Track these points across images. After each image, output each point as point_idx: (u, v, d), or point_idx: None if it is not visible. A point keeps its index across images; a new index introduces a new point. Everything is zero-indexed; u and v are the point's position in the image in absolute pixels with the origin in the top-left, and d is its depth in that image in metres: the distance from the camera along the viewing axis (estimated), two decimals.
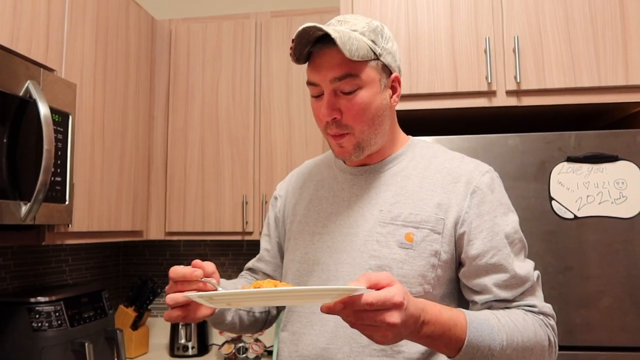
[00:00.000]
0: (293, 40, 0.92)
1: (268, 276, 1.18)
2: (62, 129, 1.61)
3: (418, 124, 2.02)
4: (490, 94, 1.77)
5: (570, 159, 1.64)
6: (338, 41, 0.87)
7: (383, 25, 0.99)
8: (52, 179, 1.54)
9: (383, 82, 0.97)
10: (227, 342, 2.28)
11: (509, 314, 0.90)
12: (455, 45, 1.80)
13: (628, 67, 1.71)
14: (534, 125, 2.06)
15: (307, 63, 0.98)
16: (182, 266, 0.85)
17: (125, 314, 2.32)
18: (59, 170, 1.59)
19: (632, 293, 1.58)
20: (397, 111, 1.85)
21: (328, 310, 0.72)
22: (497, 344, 0.84)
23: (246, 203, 2.24)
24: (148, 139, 2.30)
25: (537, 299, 0.96)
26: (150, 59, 2.32)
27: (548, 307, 0.96)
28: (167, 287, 0.87)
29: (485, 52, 1.76)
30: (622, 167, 1.61)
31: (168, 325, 2.47)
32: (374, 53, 0.94)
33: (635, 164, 1.61)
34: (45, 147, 1.45)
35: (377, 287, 0.72)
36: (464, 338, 0.82)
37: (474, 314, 0.86)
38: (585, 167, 1.62)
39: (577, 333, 1.58)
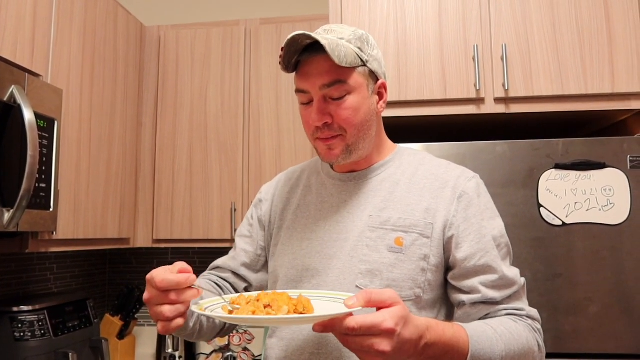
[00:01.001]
0: (282, 48, 0.93)
1: (238, 276, 1.13)
2: (47, 135, 1.59)
3: (407, 130, 2.02)
4: (479, 101, 1.77)
5: (558, 166, 1.64)
6: (327, 48, 0.88)
7: (368, 34, 1.01)
8: (37, 185, 1.52)
9: (370, 88, 0.98)
10: (214, 351, 2.26)
11: (502, 323, 0.90)
12: (444, 53, 1.80)
13: (614, 75, 1.73)
14: (522, 133, 2.07)
15: (294, 72, 0.99)
16: (166, 272, 0.78)
17: (111, 323, 2.28)
18: (43, 177, 1.56)
19: (620, 300, 1.59)
20: (386, 118, 1.85)
21: (318, 331, 0.71)
22: (497, 355, 0.85)
23: (235, 210, 2.22)
24: (136, 146, 2.28)
25: (524, 304, 0.97)
26: (138, 66, 2.30)
27: (534, 312, 0.97)
28: (149, 296, 0.79)
29: (474, 59, 1.77)
30: (610, 174, 1.62)
31: (155, 334, 2.43)
32: (361, 60, 0.96)
33: (622, 171, 1.62)
34: (29, 152, 1.42)
35: (380, 307, 0.71)
36: (467, 354, 0.81)
37: (473, 327, 0.86)
38: (573, 174, 1.63)
39: (565, 340, 1.58)
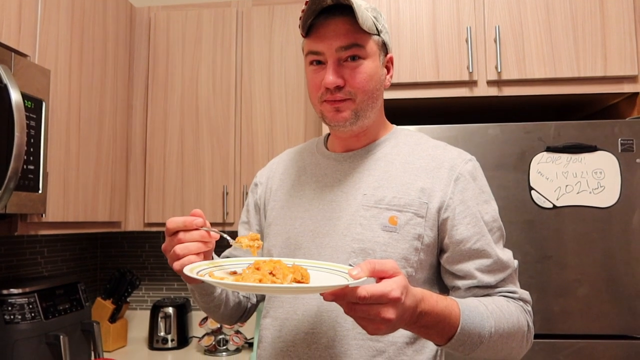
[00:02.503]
0: (303, 10, 0.93)
1: None
2: (35, 116, 1.56)
3: (400, 113, 2.01)
4: (472, 83, 1.77)
5: (549, 149, 1.64)
6: (355, 6, 0.89)
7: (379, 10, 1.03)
8: (25, 167, 1.50)
9: (382, 58, 1.00)
10: (207, 334, 2.26)
11: (494, 301, 0.91)
12: (437, 35, 1.79)
13: (607, 58, 1.72)
14: (515, 116, 2.07)
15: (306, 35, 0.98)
16: (179, 217, 0.84)
17: (103, 307, 2.28)
18: (31, 158, 1.54)
19: (608, 282, 1.60)
20: None
21: (328, 300, 0.72)
22: (487, 331, 0.86)
23: (227, 194, 2.22)
24: (126, 128, 2.25)
25: (517, 286, 0.99)
26: (128, 47, 2.27)
27: (526, 294, 0.98)
28: (164, 244, 0.86)
29: (467, 41, 1.76)
30: (601, 158, 1.62)
31: (147, 318, 2.43)
32: (377, 28, 0.97)
33: (613, 154, 1.62)
34: (16, 133, 1.40)
35: (381, 277, 0.72)
36: (457, 327, 0.82)
37: (464, 302, 0.87)
38: (565, 157, 1.63)
39: (555, 321, 1.60)
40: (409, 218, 0.95)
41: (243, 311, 1.13)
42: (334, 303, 0.93)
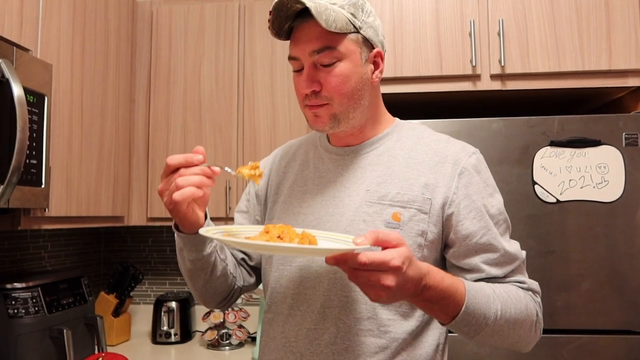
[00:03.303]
0: (270, 12, 0.92)
1: (239, 251, 1.13)
2: (37, 111, 1.56)
3: (403, 107, 2.00)
4: (475, 77, 1.76)
5: (553, 143, 1.64)
6: (313, 11, 0.87)
7: (365, 1, 0.98)
8: (27, 161, 1.50)
9: (364, 55, 0.96)
10: (210, 328, 2.27)
11: (503, 287, 0.92)
12: (440, 28, 1.78)
13: (611, 52, 1.71)
14: (518, 110, 2.06)
15: (288, 39, 0.98)
16: (180, 154, 0.85)
17: (106, 301, 2.28)
18: (34, 153, 1.54)
19: (611, 277, 1.60)
20: (382, 94, 1.84)
21: (330, 264, 0.75)
22: (492, 313, 0.86)
23: (229, 189, 2.22)
24: (129, 122, 2.25)
25: (525, 277, 0.98)
26: (131, 41, 2.27)
27: (535, 284, 0.98)
28: (160, 186, 0.87)
29: (470, 35, 1.75)
30: (605, 152, 1.61)
31: (150, 312, 2.44)
32: (354, 26, 0.93)
33: (617, 148, 1.61)
34: (18, 128, 1.40)
35: (384, 247, 0.74)
36: (461, 305, 0.83)
37: (471, 283, 0.87)
38: (568, 151, 1.63)
39: (558, 316, 1.59)
40: (412, 214, 0.94)
41: (227, 291, 1.08)
42: (336, 301, 0.94)
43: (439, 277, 0.81)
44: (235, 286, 1.10)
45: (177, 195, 0.83)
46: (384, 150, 1.02)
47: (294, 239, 0.79)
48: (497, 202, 0.98)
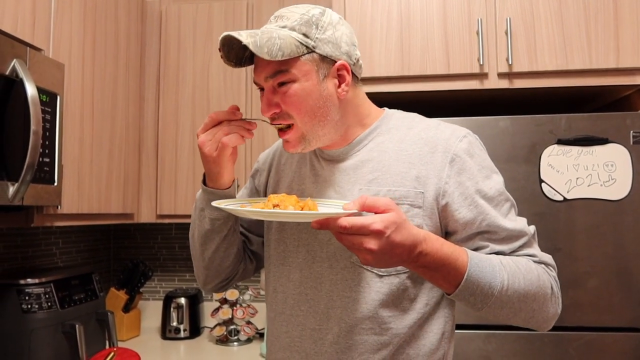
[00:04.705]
0: (220, 49, 0.94)
1: (243, 234, 1.17)
2: (50, 110, 1.59)
3: (410, 105, 2.00)
4: (482, 76, 1.76)
5: (560, 142, 1.64)
6: (252, 47, 0.86)
7: (324, 13, 0.95)
8: (40, 159, 1.53)
9: (322, 73, 0.94)
10: (218, 324, 2.29)
11: (512, 259, 0.90)
12: (448, 27, 1.79)
13: (619, 50, 1.71)
14: (526, 108, 2.06)
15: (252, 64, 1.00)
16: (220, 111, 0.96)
17: (116, 297, 2.32)
18: (47, 151, 1.57)
19: (619, 274, 1.60)
20: (388, 93, 1.85)
21: (315, 227, 0.79)
22: (498, 282, 0.85)
23: (238, 186, 2.23)
24: (138, 121, 2.28)
25: (536, 250, 0.95)
26: (140, 40, 2.29)
27: (548, 257, 0.95)
28: (203, 136, 0.96)
29: (478, 33, 1.75)
30: (612, 150, 1.62)
31: (160, 308, 2.47)
32: (306, 47, 0.92)
33: (624, 146, 1.61)
34: (32, 127, 1.43)
35: (374, 212, 0.77)
36: (463, 273, 0.83)
37: (476, 253, 0.87)
38: (576, 149, 1.63)
39: (565, 314, 1.60)
40: (405, 210, 0.93)
41: (232, 268, 1.10)
42: (338, 302, 0.96)
43: (437, 244, 0.82)
44: (240, 268, 1.13)
45: (226, 139, 0.93)
46: (373, 146, 1.01)
47: (288, 206, 0.83)
48: (495, 182, 0.95)
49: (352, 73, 0.97)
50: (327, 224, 0.77)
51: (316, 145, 0.98)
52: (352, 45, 0.98)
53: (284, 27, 0.93)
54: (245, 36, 0.87)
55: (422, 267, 0.81)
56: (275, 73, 0.92)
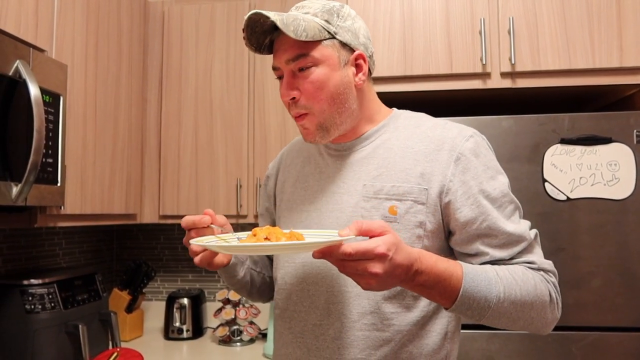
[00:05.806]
0: (243, 30, 0.95)
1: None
2: (52, 110, 1.59)
3: (413, 105, 2.00)
4: (485, 75, 1.76)
5: (563, 141, 1.64)
6: (279, 24, 0.89)
7: (343, 6, 0.99)
8: (44, 160, 1.53)
9: (343, 59, 0.97)
10: (221, 325, 2.29)
11: (508, 268, 0.90)
12: (450, 27, 1.78)
13: (622, 49, 1.70)
14: (529, 108, 2.06)
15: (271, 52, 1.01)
16: (193, 215, 0.93)
17: (119, 297, 2.32)
18: (50, 152, 1.57)
19: (622, 274, 1.60)
20: (391, 92, 1.85)
21: (317, 257, 0.77)
22: (494, 295, 0.85)
23: (240, 186, 2.24)
24: (141, 121, 2.28)
25: (536, 256, 0.95)
26: (142, 41, 2.29)
27: (548, 264, 0.95)
28: (184, 239, 0.94)
29: (480, 33, 1.75)
30: (615, 149, 1.61)
31: (162, 308, 2.47)
32: (328, 32, 0.95)
33: (628, 146, 1.61)
34: (35, 127, 1.43)
35: (369, 236, 0.76)
36: (459, 289, 0.83)
37: (471, 266, 0.87)
38: (579, 149, 1.63)
39: (568, 313, 1.60)
40: (408, 206, 0.94)
41: (270, 290, 1.19)
42: (340, 297, 0.96)
43: (431, 261, 0.81)
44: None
45: (196, 261, 0.93)
46: (380, 142, 1.02)
47: (281, 238, 0.80)
48: (499, 184, 0.95)
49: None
50: (329, 253, 0.75)
51: (335, 134, 1.00)
52: (368, 39, 1.02)
53: (306, 13, 0.96)
54: (273, 15, 0.90)
55: (419, 285, 0.81)
56: (297, 57, 0.94)
